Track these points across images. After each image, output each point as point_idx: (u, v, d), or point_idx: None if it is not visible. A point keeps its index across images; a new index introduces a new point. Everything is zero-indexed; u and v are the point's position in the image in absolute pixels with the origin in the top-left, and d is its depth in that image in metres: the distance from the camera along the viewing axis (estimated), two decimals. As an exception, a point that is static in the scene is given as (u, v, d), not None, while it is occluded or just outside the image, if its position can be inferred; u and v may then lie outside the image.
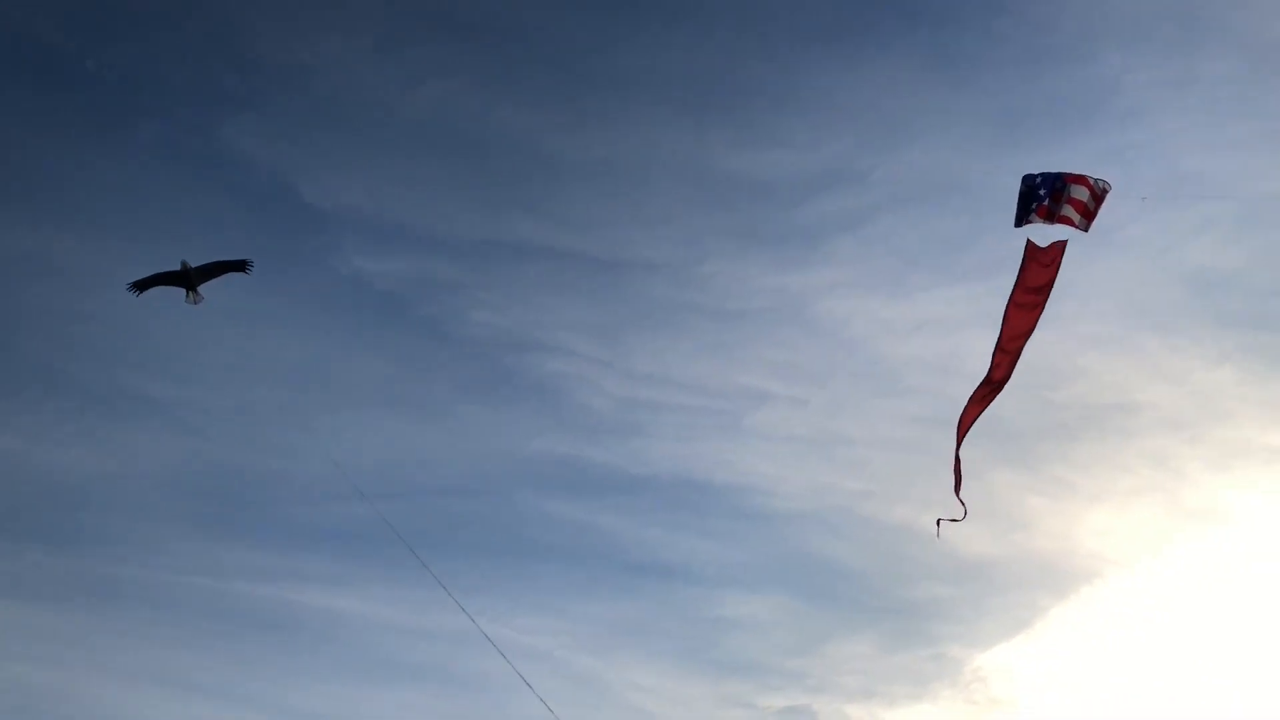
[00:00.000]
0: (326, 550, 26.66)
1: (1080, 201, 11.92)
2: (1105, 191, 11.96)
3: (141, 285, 15.05)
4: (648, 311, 28.85)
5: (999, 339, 12.38)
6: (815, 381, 28.60)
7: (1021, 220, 12.26)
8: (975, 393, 12.52)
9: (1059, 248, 12.19)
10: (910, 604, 28.37)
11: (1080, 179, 11.96)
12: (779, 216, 28.32)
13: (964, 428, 12.53)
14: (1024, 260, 12.28)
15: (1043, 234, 12.30)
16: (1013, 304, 12.29)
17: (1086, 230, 12.10)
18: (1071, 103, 25.51)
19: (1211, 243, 25.08)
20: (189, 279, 15.09)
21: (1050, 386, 25.99)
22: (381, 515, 14.72)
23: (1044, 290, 12.14)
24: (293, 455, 25.36)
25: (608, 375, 28.71)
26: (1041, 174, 12.13)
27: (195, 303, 15.23)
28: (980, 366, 12.72)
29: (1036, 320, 12.29)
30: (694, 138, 28.80)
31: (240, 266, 15.22)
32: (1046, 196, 12.02)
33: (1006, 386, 12.61)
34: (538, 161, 28.87)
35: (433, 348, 28.77)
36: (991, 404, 12.59)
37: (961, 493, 12.45)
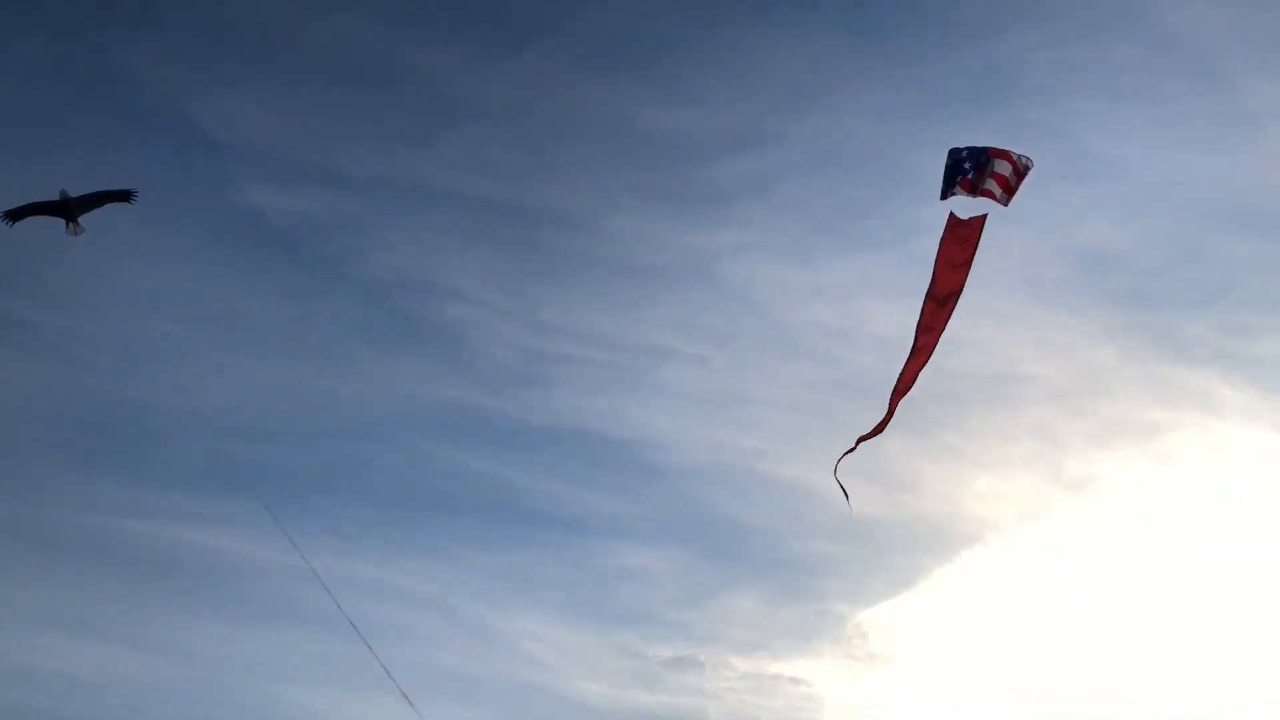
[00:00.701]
0: (208, 488, 25.76)
1: (1003, 176, 12.07)
2: (1027, 168, 12.12)
3: (15, 215, 14.10)
4: (554, 262, 28.48)
5: (925, 306, 12.51)
6: (717, 341, 28.71)
7: (947, 193, 12.38)
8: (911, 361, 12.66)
9: (979, 222, 12.34)
10: (798, 560, 28.91)
11: (1004, 154, 12.11)
12: (689, 174, 28.21)
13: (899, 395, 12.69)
14: (945, 233, 12.43)
15: (966, 207, 12.45)
16: (937, 274, 12.41)
17: (1006, 204, 12.30)
18: (981, 77, 25.88)
19: (1104, 223, 25.80)
20: (69, 209, 14.18)
21: (943, 354, 26.48)
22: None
23: (965, 263, 12.30)
24: (179, 391, 24.37)
25: (511, 324, 28.34)
26: (967, 148, 12.25)
27: (75, 234, 14.33)
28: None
29: (963, 284, 12.45)
30: (607, 90, 28.37)
31: (124, 197, 14.37)
32: (971, 170, 12.15)
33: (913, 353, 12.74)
34: (447, 102, 28.12)
35: (331, 288, 27.96)
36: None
37: (854, 452, 12.62)
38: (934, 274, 12.48)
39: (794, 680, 27.82)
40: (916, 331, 12.59)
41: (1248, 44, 24.51)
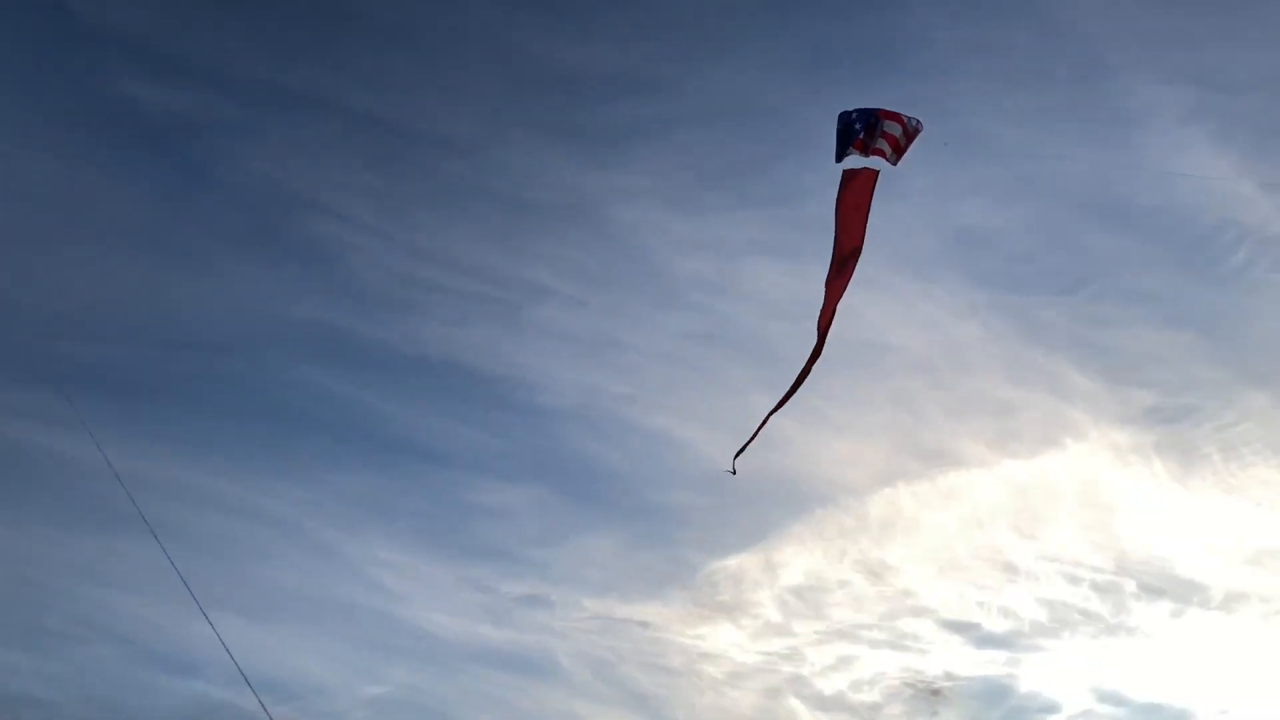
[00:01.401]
0: (38, 386, 24.54)
1: (893, 136, 12.26)
2: (917, 130, 12.33)
3: None
4: (436, 188, 27.91)
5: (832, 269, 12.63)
6: (596, 284, 28.61)
7: (841, 155, 12.52)
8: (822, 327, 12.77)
9: (871, 177, 12.49)
10: (656, 508, 29.27)
11: (894, 115, 12.30)
12: (583, 113, 27.91)
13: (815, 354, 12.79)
14: (840, 190, 12.54)
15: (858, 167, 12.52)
16: (837, 232, 12.55)
17: (895, 164, 12.51)
18: (880, 47, 26.21)
19: (980, 205, 26.61)
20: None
21: (812, 320, 27.04)
22: None
23: (862, 219, 12.45)
24: (23, 282, 23.05)
25: (386, 247, 27.70)
26: (856, 110, 12.41)
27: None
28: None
29: (862, 241, 12.60)
30: (508, 18, 27.79)
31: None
32: (861, 130, 12.30)
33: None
34: (341, 13, 27.15)
35: (201, 191, 26.87)
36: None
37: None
38: (835, 233, 12.59)
39: (642, 624, 28.28)
40: (825, 294, 12.72)
41: (1132, 45, 25.47)
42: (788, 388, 12.73)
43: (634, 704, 28.04)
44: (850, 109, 12.43)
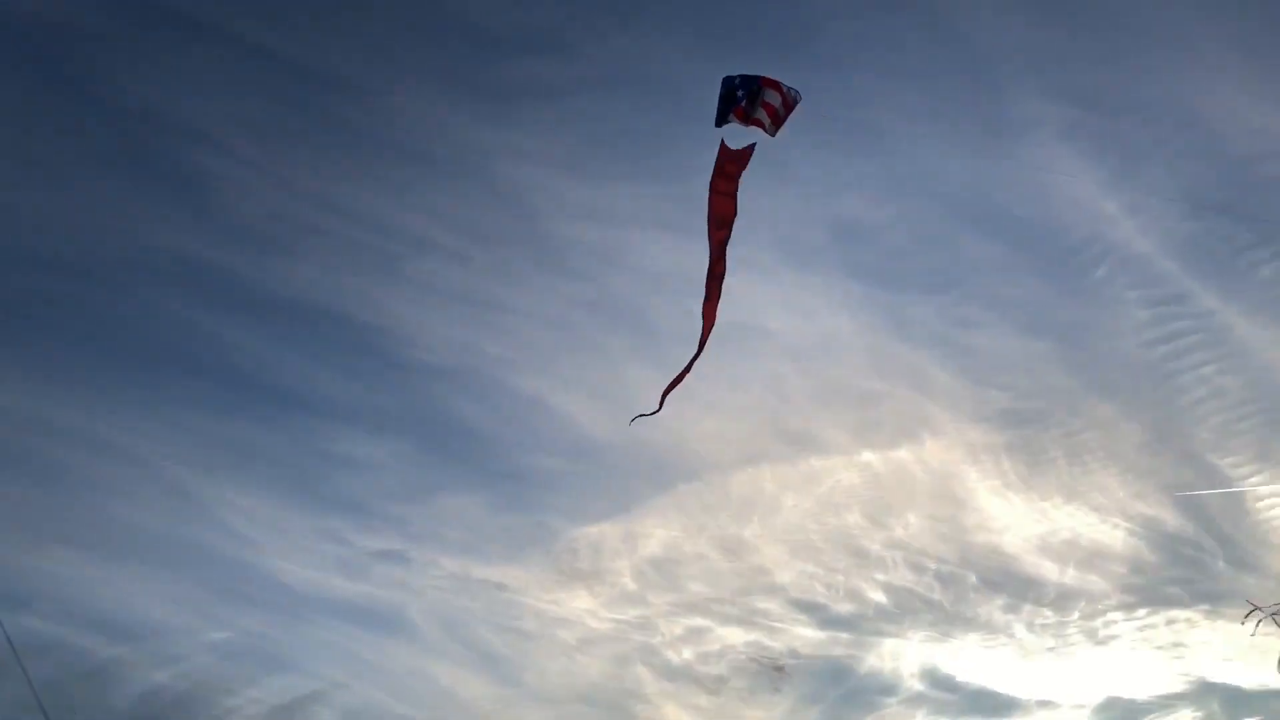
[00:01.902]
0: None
1: (772, 106, 12.39)
2: (795, 100, 12.48)
3: None
4: (324, 128, 27.11)
5: (709, 234, 12.74)
6: (482, 242, 28.29)
7: (721, 121, 12.60)
8: (709, 292, 12.86)
9: (748, 152, 12.62)
10: (524, 472, 29.26)
11: (774, 84, 12.42)
12: (484, 67, 27.40)
13: (708, 326, 12.90)
14: (717, 161, 12.63)
15: (738, 136, 12.69)
16: (712, 200, 12.64)
17: (774, 135, 12.64)
18: (781, 31, 26.39)
19: (863, 197, 27.16)
20: None
21: (695, 296, 27.25)
22: None
23: (733, 192, 12.57)
24: None
25: (266, 183, 26.81)
26: (740, 75, 12.50)
27: None
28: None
29: (735, 210, 12.73)
30: (413, -41, 27.09)
31: None
32: (744, 98, 12.40)
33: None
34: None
35: (71, 105, 25.49)
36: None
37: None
38: (709, 202, 12.69)
39: (499, 586, 28.26)
40: (710, 262, 12.86)
41: (1019, 58, 26.24)
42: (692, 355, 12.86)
43: (484, 664, 28.06)
44: (734, 74, 12.52)
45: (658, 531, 28.50)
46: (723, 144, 12.84)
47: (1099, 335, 27.16)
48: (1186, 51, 25.02)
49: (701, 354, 12.92)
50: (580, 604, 28.18)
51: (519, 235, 28.33)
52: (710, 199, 12.78)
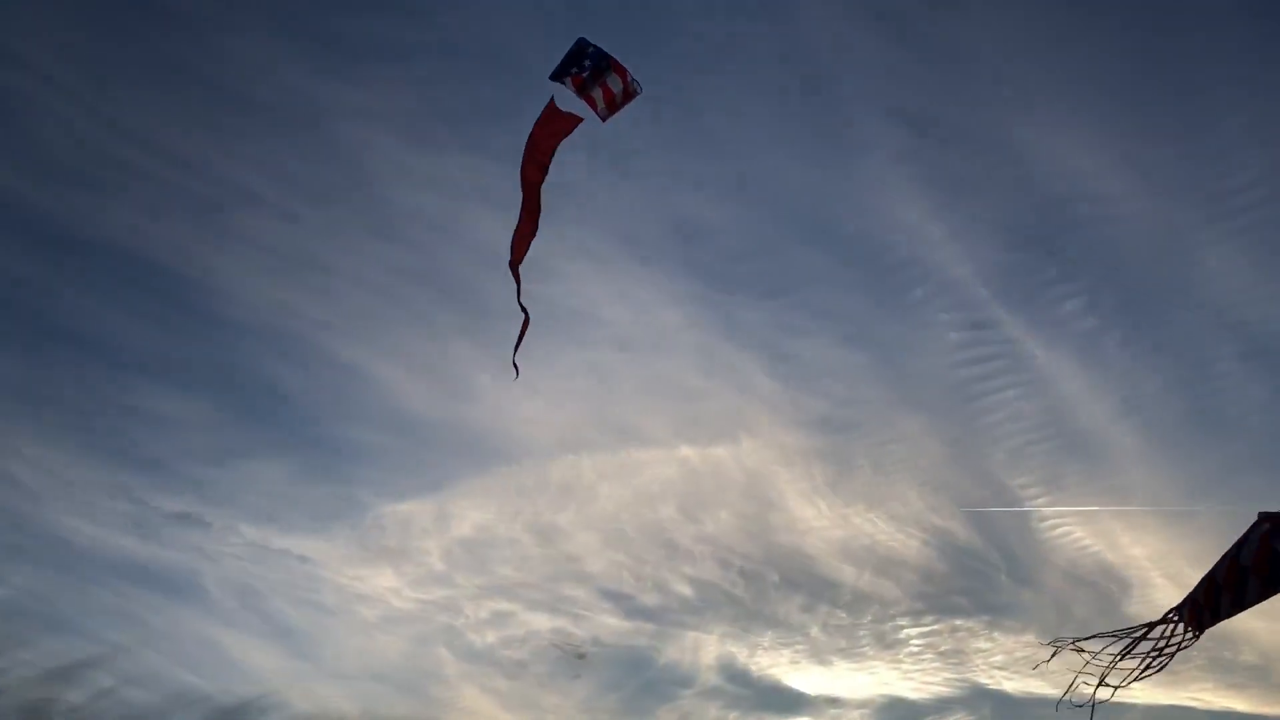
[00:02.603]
0: None
1: (611, 91, 12.20)
2: (635, 93, 12.33)
3: None
4: (152, 63, 25.60)
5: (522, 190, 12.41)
6: (312, 201, 27.32)
7: (559, 76, 12.26)
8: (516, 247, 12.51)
9: (572, 122, 12.35)
10: (335, 442, 28.53)
11: (622, 70, 12.21)
12: (329, 19, 26.41)
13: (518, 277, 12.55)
14: (541, 116, 12.32)
15: (569, 103, 12.40)
16: (525, 160, 12.33)
17: (605, 120, 12.40)
18: (640, 26, 26.42)
19: (704, 198, 27.55)
20: None
21: (530, 278, 27.06)
22: None
23: (547, 157, 12.30)
24: None
25: (82, 115, 25.09)
26: (595, 46, 12.19)
27: None
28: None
29: (543, 177, 12.44)
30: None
31: None
32: (589, 69, 12.13)
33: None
34: None
35: None
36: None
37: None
38: (524, 158, 12.37)
39: (301, 558, 27.45)
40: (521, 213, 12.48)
41: (863, 78, 27.09)
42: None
43: (278, 637, 27.23)
44: (591, 42, 12.23)
45: (471, 513, 28.24)
46: (551, 104, 12.51)
47: (912, 353, 28.35)
48: (1018, 93, 26.37)
49: (528, 314, 12.63)
50: (384, 581, 27.67)
51: (351, 197, 27.52)
52: (525, 156, 12.45)
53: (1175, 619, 10.62)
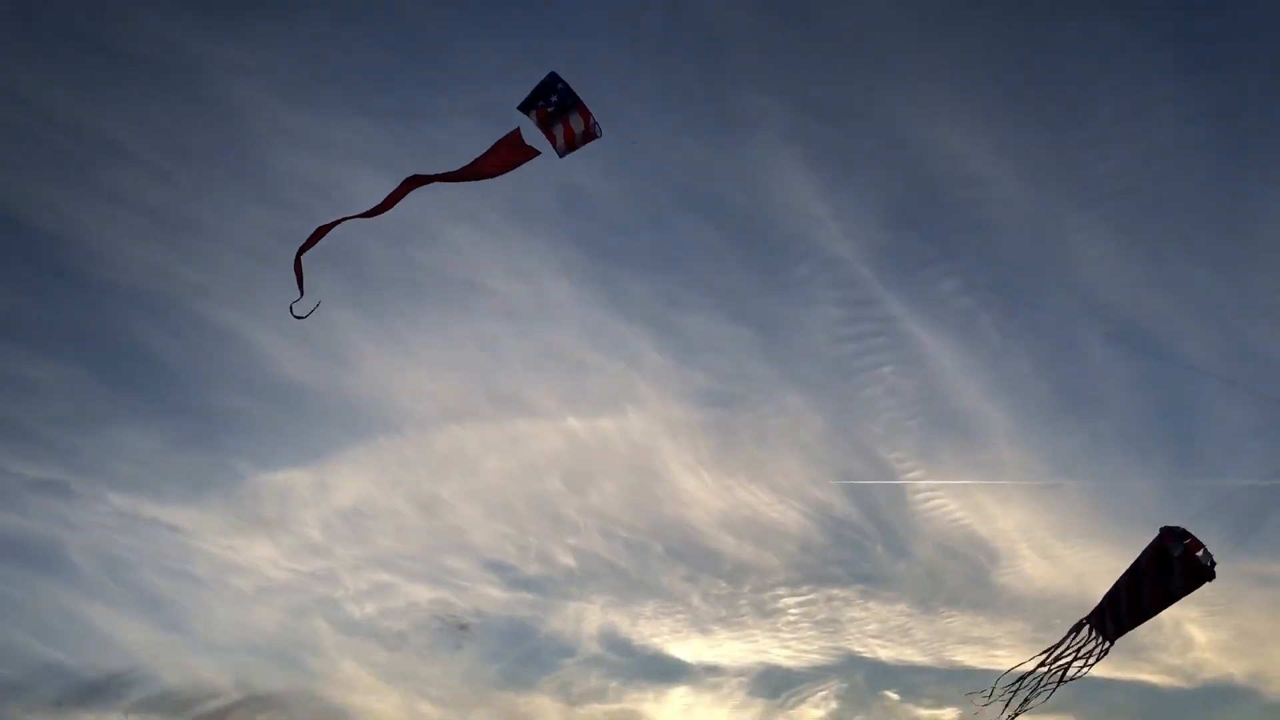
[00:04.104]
0: None
1: (573, 130, 12.19)
2: (594, 136, 12.35)
3: None
4: (16, 10, 23.81)
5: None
6: (187, 159, 26.14)
7: (526, 108, 12.16)
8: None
9: (528, 156, 12.28)
10: (209, 410, 27.69)
11: (586, 113, 12.22)
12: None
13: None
14: (498, 143, 12.14)
15: (530, 134, 12.35)
16: (468, 168, 12.12)
17: (562, 156, 12.42)
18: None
19: (593, 168, 27.41)
20: None
21: (416, 244, 26.69)
22: None
23: (482, 175, 12.17)
24: None
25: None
26: (565, 83, 12.15)
27: None
28: (359, 201, 12.63)
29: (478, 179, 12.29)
30: None
31: None
32: (555, 105, 12.08)
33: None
34: None
35: None
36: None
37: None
38: (468, 166, 12.12)
39: (172, 528, 26.68)
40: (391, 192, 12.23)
41: (753, 56, 27.47)
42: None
43: (148, 608, 26.51)
44: (562, 79, 12.15)
45: (350, 483, 27.91)
46: (518, 134, 12.46)
47: (795, 328, 29.27)
48: (903, 76, 27.29)
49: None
50: (260, 552, 27.16)
51: (229, 157, 26.43)
52: (470, 166, 12.27)
53: (1086, 624, 11.67)
